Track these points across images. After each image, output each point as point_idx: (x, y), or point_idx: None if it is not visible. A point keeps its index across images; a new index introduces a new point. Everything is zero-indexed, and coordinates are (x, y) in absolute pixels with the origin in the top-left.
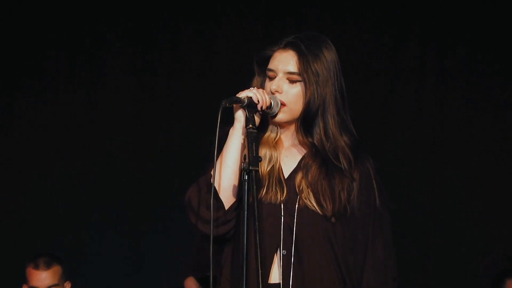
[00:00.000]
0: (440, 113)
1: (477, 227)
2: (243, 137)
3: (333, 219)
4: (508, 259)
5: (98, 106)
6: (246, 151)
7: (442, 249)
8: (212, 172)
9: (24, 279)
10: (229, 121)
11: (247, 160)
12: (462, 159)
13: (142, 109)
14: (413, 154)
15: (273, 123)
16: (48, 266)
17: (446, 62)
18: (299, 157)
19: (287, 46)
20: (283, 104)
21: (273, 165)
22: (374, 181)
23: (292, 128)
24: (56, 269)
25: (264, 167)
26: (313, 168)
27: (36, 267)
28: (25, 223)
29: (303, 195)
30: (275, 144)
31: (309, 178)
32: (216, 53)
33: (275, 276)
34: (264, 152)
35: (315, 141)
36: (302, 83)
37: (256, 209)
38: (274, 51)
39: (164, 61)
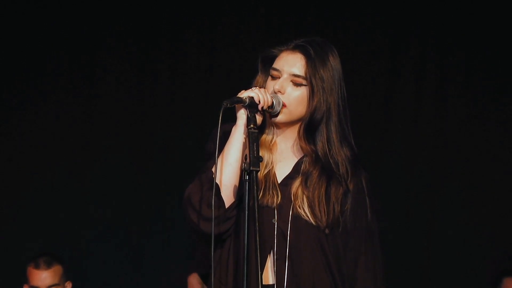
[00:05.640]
0: (440, 113)
1: (477, 227)
2: (244, 136)
3: (326, 230)
4: (508, 259)
5: (98, 106)
6: (247, 151)
7: (442, 250)
8: (213, 170)
9: (25, 279)
10: (228, 121)
11: (248, 160)
12: (463, 159)
13: (143, 109)
14: (413, 154)
15: (270, 125)
16: (48, 265)
17: (446, 62)
18: (292, 162)
19: (296, 48)
20: (283, 105)
21: (269, 169)
22: (367, 196)
23: (288, 131)
24: (57, 268)
25: (260, 171)
26: (313, 176)
27: (37, 267)
28: (25, 223)
29: (297, 202)
30: (271, 147)
31: (308, 186)
32: (216, 53)
33: (269, 278)
34: (261, 154)
35: (318, 148)
36: (306, 87)
37: (257, 211)
38: (281, 51)
39: (165, 61)
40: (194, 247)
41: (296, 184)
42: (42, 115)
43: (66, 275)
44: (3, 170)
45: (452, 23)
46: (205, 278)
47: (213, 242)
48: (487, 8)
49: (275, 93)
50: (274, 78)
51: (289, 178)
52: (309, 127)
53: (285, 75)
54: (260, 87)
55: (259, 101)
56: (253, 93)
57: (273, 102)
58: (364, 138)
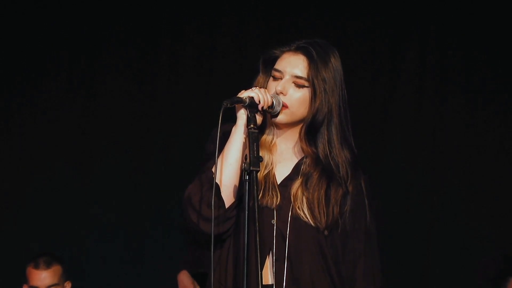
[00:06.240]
0: (441, 113)
1: (477, 227)
2: (244, 136)
3: (326, 232)
4: (507, 260)
5: (98, 106)
6: (247, 151)
7: (442, 250)
8: (213, 170)
9: (25, 279)
10: (228, 121)
11: (248, 160)
12: (463, 159)
13: (142, 110)
14: (414, 155)
15: (270, 125)
16: (48, 265)
17: (446, 62)
18: (292, 164)
19: (298, 49)
20: (285, 106)
21: (269, 170)
22: (366, 199)
23: (289, 132)
24: (56, 268)
25: (260, 172)
26: (313, 177)
27: (36, 267)
28: (25, 223)
29: (296, 203)
30: (271, 148)
31: (308, 187)
32: (216, 53)
33: (268, 278)
34: (262, 155)
35: (318, 150)
36: (308, 88)
37: (256, 211)
38: (283, 52)
39: (164, 62)
40: (185, 246)
41: (296, 185)
42: (42, 115)
43: (66, 275)
44: (3, 170)
45: (452, 23)
46: (195, 277)
47: (212, 242)
48: (487, 8)
49: (277, 94)
50: (275, 79)
51: (289, 179)
52: (310, 129)
53: (287, 76)
54: (260, 88)
55: (259, 101)
56: (253, 93)
57: (273, 102)
58: (364, 138)
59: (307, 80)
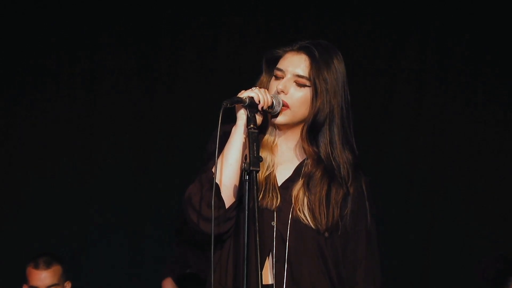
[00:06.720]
0: (441, 113)
1: (477, 227)
2: (244, 136)
3: (326, 234)
4: (507, 260)
5: (98, 106)
6: (247, 151)
7: (442, 250)
8: (213, 170)
9: (24, 279)
10: (228, 121)
11: (247, 160)
12: (462, 159)
13: (143, 109)
14: (414, 154)
15: (272, 125)
16: (48, 265)
17: (446, 62)
18: (293, 165)
19: (300, 49)
20: (285, 106)
21: (270, 171)
22: (366, 200)
23: (289, 132)
24: (56, 268)
25: (261, 173)
26: (315, 178)
27: (36, 267)
28: (25, 223)
29: (297, 205)
30: (273, 148)
31: (310, 188)
32: (216, 53)
33: (268, 279)
34: (264, 156)
35: (320, 150)
36: (309, 88)
37: (256, 211)
38: (285, 52)
39: (165, 61)
40: (175, 246)
41: (298, 187)
42: (42, 114)
43: (66, 275)
44: (3, 170)
45: (452, 24)
46: (179, 281)
47: (213, 242)
48: (487, 8)
49: (278, 93)
50: (277, 78)
51: (290, 181)
52: (311, 129)
53: (288, 75)
54: (264, 88)
55: (259, 101)
56: (253, 93)
57: (273, 102)
58: (364, 138)
59: (309, 79)
